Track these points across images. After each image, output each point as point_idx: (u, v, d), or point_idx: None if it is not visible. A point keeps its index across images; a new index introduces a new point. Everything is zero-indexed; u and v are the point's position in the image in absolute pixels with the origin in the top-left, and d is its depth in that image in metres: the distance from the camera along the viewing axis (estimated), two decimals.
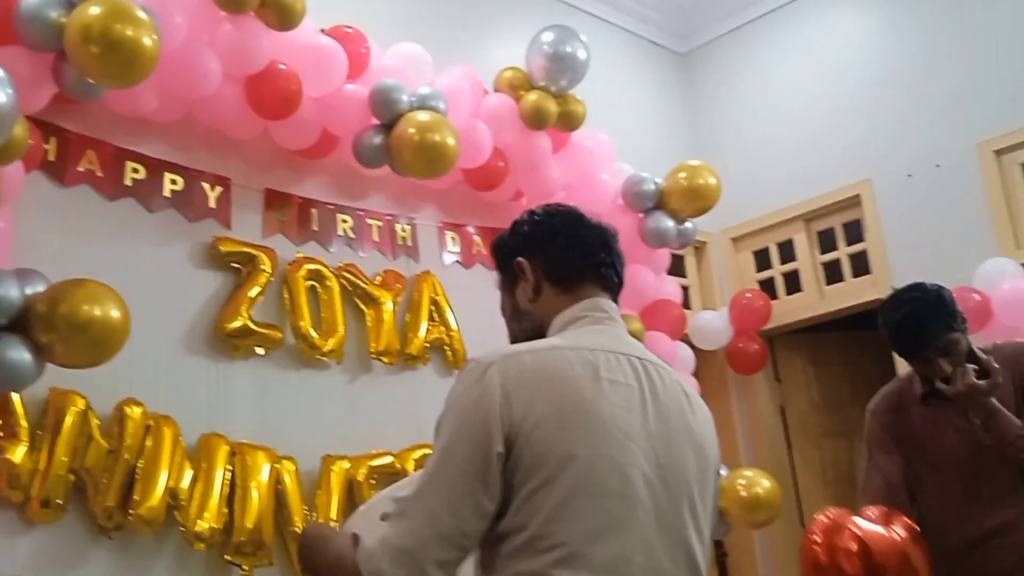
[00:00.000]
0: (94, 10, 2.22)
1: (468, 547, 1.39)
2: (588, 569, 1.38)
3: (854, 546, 2.06)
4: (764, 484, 3.76)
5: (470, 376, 1.46)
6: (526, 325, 1.66)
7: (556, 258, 1.66)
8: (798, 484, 4.69)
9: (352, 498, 3.04)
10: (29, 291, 2.22)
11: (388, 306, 3.35)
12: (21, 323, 2.17)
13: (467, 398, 1.44)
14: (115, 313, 2.23)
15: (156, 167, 2.90)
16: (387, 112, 3.11)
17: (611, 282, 1.68)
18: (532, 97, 3.53)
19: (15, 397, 2.39)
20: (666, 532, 1.46)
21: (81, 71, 2.31)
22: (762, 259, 4.96)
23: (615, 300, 1.69)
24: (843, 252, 4.67)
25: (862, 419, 5.00)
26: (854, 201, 4.56)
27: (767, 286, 4.87)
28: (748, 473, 3.84)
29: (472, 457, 1.39)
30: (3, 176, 2.14)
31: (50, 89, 2.42)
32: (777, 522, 3.99)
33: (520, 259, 1.67)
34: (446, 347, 3.53)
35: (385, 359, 3.31)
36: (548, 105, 3.54)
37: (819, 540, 2.09)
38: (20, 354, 2.15)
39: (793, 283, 4.83)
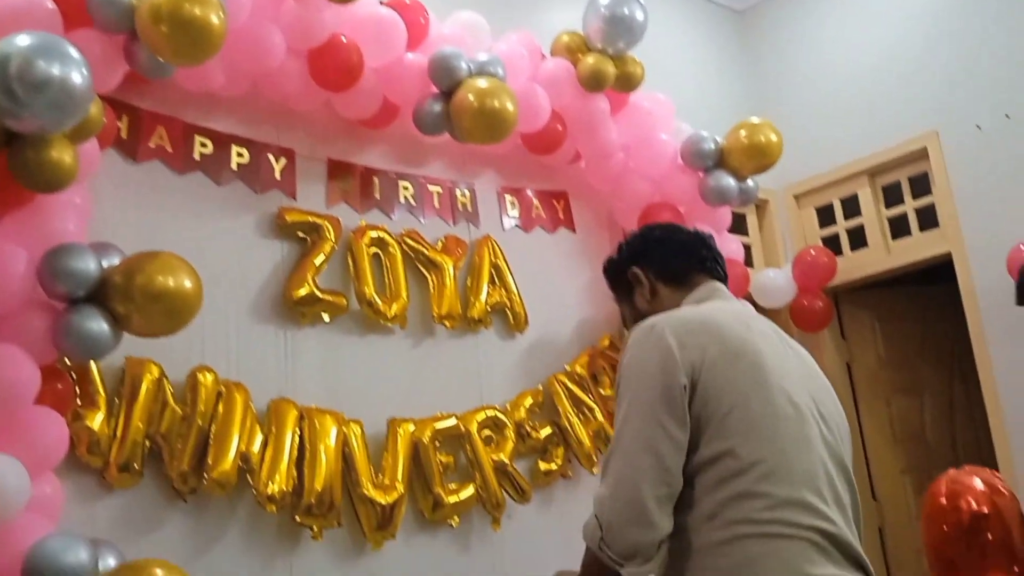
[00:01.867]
0: None
1: (674, 483, 1.50)
2: (788, 482, 1.50)
3: (980, 486, 2.13)
4: None
5: (640, 337, 1.61)
6: None
7: (665, 260, 1.87)
8: (865, 441, 4.65)
9: (417, 459, 3.11)
10: (105, 264, 2.31)
11: (449, 271, 3.40)
12: (98, 295, 2.26)
13: (643, 354, 1.59)
14: (188, 283, 2.31)
15: (223, 141, 2.97)
16: (446, 79, 3.13)
17: (718, 273, 1.88)
18: (589, 60, 3.52)
19: (93, 366, 2.50)
20: (832, 455, 1.59)
21: (152, 50, 2.37)
22: (826, 215, 4.90)
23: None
24: (909, 206, 4.58)
25: (931, 375, 4.99)
26: (921, 154, 4.47)
27: (831, 243, 4.81)
28: None
29: (659, 397, 1.53)
30: (80, 154, 2.21)
31: (122, 68, 2.49)
32: None
33: (633, 268, 1.89)
34: (507, 310, 3.57)
35: (447, 323, 3.36)
36: (606, 67, 3.52)
37: (945, 485, 2.16)
38: (98, 324, 2.23)
39: (858, 239, 4.76)
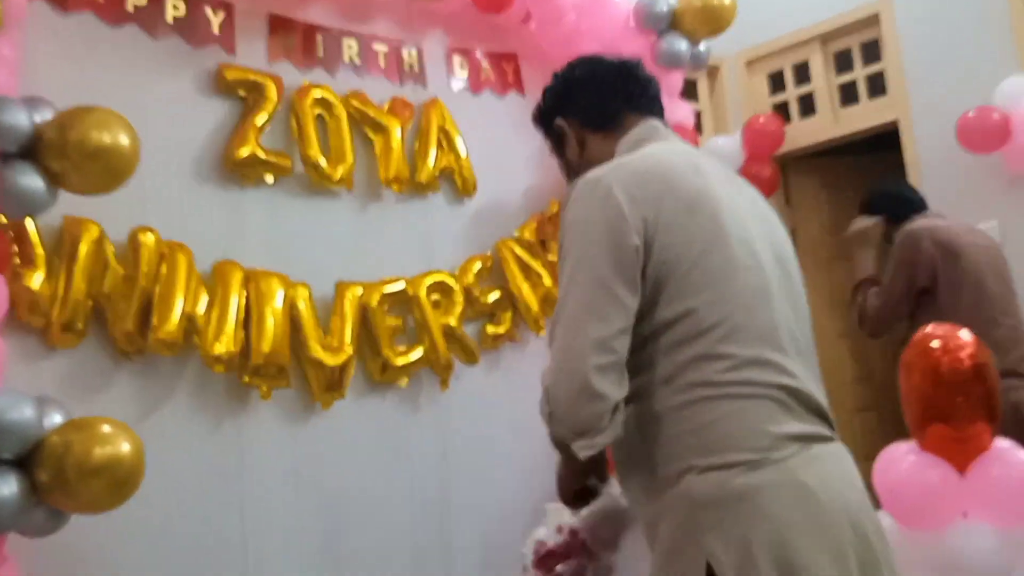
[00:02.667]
0: None
1: (620, 350, 1.41)
2: (749, 341, 1.44)
3: (970, 339, 2.17)
4: None
5: (584, 192, 1.49)
6: None
7: (588, 105, 1.69)
8: None
9: (366, 322, 3.12)
10: (38, 119, 2.22)
11: (396, 134, 3.33)
12: (32, 151, 2.18)
13: (588, 213, 1.46)
14: (124, 140, 2.23)
15: None
16: None
17: (650, 108, 1.71)
18: None
19: (30, 225, 2.43)
20: (790, 300, 1.54)
21: None
22: (777, 82, 4.87)
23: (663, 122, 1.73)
24: (860, 73, 4.57)
25: None
26: (873, 20, 4.43)
27: (780, 110, 4.81)
28: None
29: (607, 260, 1.42)
30: (5, 2, 2.10)
31: None
32: None
33: (557, 121, 1.72)
34: (456, 175, 3.53)
35: (395, 187, 3.32)
36: None
37: (938, 340, 2.18)
38: (33, 181, 2.16)
39: (807, 106, 4.76)
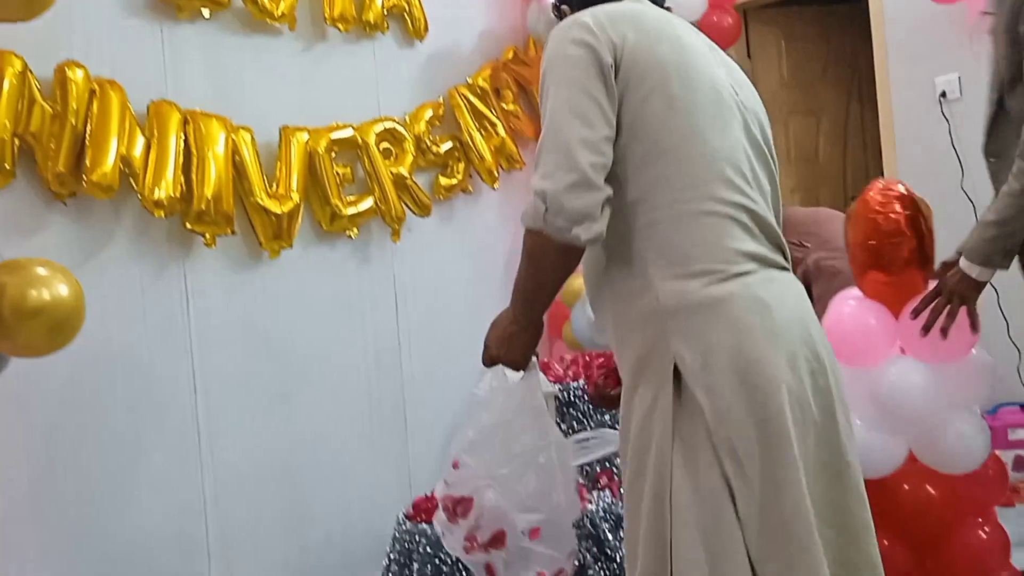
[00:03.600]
0: None
1: (607, 153, 1.47)
2: (708, 161, 1.50)
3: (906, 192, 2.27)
4: None
5: (559, 31, 1.55)
6: None
7: None
8: None
9: (313, 170, 3.01)
10: None
11: None
12: None
13: (564, 43, 1.52)
14: None
15: None
16: None
17: None
18: None
19: None
20: (752, 143, 1.59)
21: None
22: None
23: None
24: None
25: (830, 98, 5.01)
26: None
27: None
28: None
29: (586, 70, 1.48)
30: None
31: None
32: None
33: (561, 7, 1.75)
34: (405, 14, 3.37)
35: (340, 26, 3.15)
36: None
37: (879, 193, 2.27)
38: None
39: None
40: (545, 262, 1.52)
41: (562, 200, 1.43)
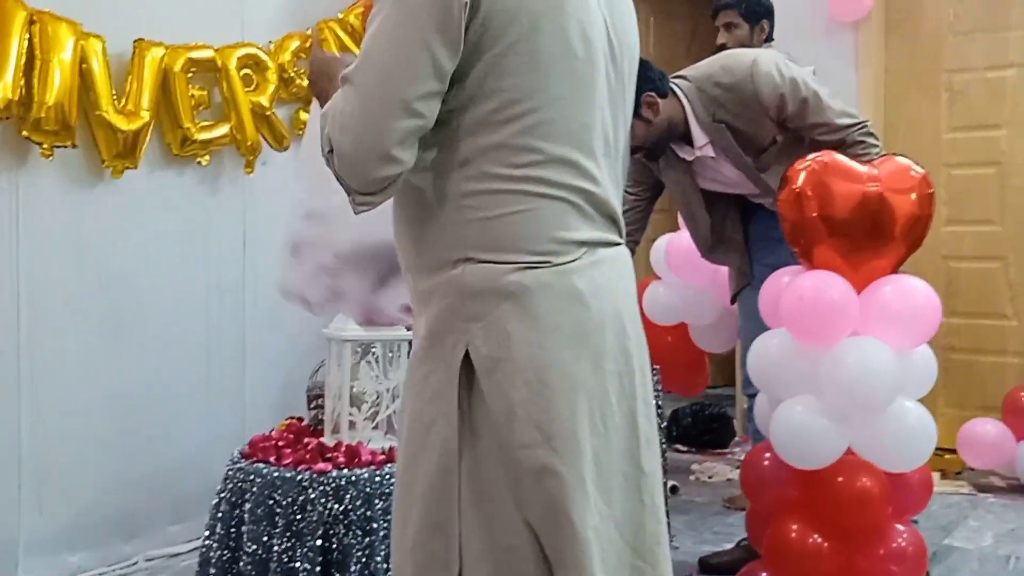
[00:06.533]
0: None
1: (427, 114, 1.28)
2: (558, 138, 1.34)
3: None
4: None
5: None
6: None
7: None
8: None
9: (167, 89, 2.85)
10: None
11: None
12: None
13: None
14: None
15: None
16: None
17: None
18: None
19: None
20: (611, 95, 1.43)
21: None
22: None
23: None
24: None
25: None
26: None
27: None
28: None
29: (428, 11, 1.25)
30: None
31: None
32: None
33: None
34: None
35: None
36: None
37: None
38: None
39: None
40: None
41: (354, 167, 1.29)
